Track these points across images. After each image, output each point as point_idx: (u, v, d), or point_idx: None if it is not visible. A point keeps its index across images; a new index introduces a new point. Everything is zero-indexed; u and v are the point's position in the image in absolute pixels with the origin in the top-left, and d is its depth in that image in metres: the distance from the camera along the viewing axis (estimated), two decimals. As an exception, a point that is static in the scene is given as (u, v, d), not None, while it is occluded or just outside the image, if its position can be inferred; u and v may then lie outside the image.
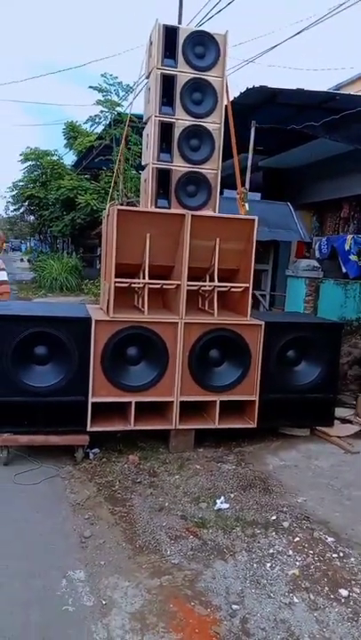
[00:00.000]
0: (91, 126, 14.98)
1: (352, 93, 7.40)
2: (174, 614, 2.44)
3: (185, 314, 4.19)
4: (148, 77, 4.32)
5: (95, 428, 4.12)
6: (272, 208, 7.52)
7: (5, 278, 5.70)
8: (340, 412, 4.95)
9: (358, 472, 3.96)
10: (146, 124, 4.33)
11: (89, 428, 4.09)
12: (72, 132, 19.99)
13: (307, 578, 2.75)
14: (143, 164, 4.37)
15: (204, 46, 4.11)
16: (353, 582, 2.74)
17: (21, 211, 23.91)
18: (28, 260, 24.88)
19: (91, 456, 4.16)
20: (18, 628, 2.31)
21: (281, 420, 4.57)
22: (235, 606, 2.52)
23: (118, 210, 3.95)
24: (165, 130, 4.09)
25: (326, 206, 11.22)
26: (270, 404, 4.43)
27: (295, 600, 2.58)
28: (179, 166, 4.15)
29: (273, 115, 7.93)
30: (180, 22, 12.88)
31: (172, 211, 4.14)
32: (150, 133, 4.15)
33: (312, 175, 10.94)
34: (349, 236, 7.06)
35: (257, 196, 11.54)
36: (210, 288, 4.34)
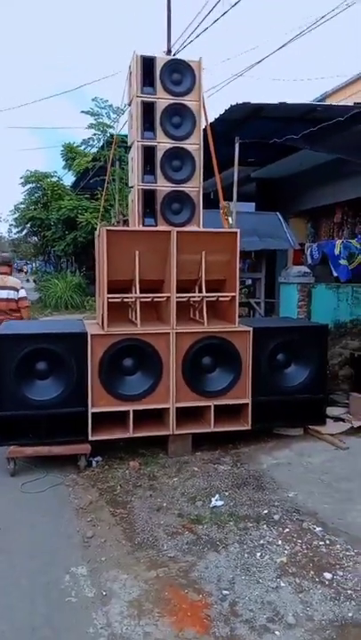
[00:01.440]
0: (85, 148, 15.40)
1: (333, 104, 7.66)
2: (169, 601, 2.64)
3: (176, 324, 4.42)
4: (129, 105, 4.61)
5: (96, 437, 4.34)
6: (262, 218, 7.77)
7: (25, 295, 6.24)
8: (332, 410, 5.15)
9: (348, 466, 4.15)
10: (130, 147, 4.61)
11: (90, 438, 4.31)
12: (70, 154, 20.45)
13: (294, 564, 2.95)
14: (130, 185, 4.64)
15: (181, 73, 4.40)
16: (337, 566, 2.93)
17: (24, 232, 24.36)
18: (34, 281, 25.32)
19: (93, 464, 4.38)
20: (25, 617, 2.53)
21: (274, 420, 4.77)
22: (225, 592, 2.71)
23: (107, 230, 4.22)
24: (148, 153, 4.37)
25: (320, 212, 11.47)
26: (263, 406, 4.63)
27: (282, 584, 2.77)
28: (163, 186, 4.42)
29: (261, 128, 8.20)
30: (169, 39, 13.34)
31: (159, 228, 4.39)
32: (135, 157, 4.43)
33: (305, 183, 11.20)
34: (339, 241, 7.28)
35: (251, 206, 11.84)
36: (199, 299, 4.58)
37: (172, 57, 4.48)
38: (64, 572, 2.90)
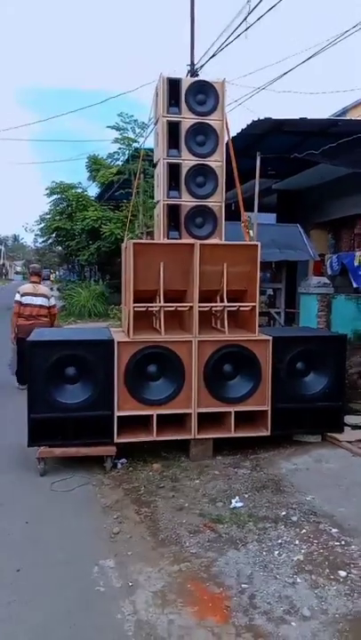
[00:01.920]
0: (110, 162, 15.77)
1: (352, 118, 7.81)
2: (191, 593, 2.82)
3: (198, 332, 4.62)
4: (156, 124, 4.85)
5: (121, 440, 4.55)
6: (282, 230, 7.94)
7: (55, 303, 6.99)
8: (351, 419, 5.26)
9: (364, 472, 4.27)
10: (156, 164, 4.85)
11: (116, 440, 4.52)
12: (94, 165, 20.92)
13: (310, 562, 3.09)
14: (155, 200, 4.87)
15: (205, 93, 4.63)
16: (352, 565, 3.06)
17: (49, 242, 24.87)
18: (58, 289, 25.84)
19: (119, 465, 4.57)
20: (60, 603, 2.73)
21: (293, 427, 4.91)
22: (244, 585, 2.87)
23: (134, 244, 4.45)
24: (173, 170, 4.60)
25: (341, 224, 11.58)
26: (282, 413, 4.78)
27: (298, 580, 2.92)
28: (186, 201, 4.64)
29: (282, 142, 8.42)
30: (192, 52, 13.68)
31: (183, 241, 4.61)
32: (160, 173, 4.66)
33: (325, 194, 11.34)
34: (358, 253, 7.41)
35: (272, 217, 12.02)
36: (220, 308, 4.77)
37: (196, 78, 4.71)
38: (93, 563, 3.09)
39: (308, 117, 7.18)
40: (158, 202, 4.72)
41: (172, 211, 4.63)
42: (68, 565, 3.08)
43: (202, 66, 14.64)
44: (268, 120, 7.25)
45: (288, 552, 3.20)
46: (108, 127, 13.75)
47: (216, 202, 4.71)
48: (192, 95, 4.59)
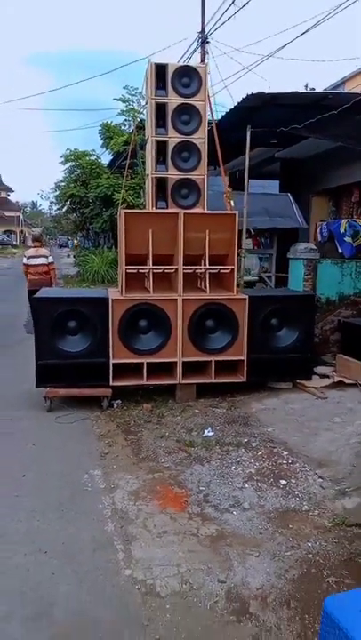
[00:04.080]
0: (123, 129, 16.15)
1: (343, 92, 8.17)
2: (159, 492, 3.57)
3: (183, 292, 5.28)
4: (146, 105, 5.40)
5: (116, 383, 5.29)
6: (273, 199, 8.44)
7: (53, 260, 9.06)
8: (322, 369, 5.93)
9: (321, 411, 4.95)
10: (147, 141, 5.42)
11: (111, 383, 5.26)
12: (107, 133, 21.26)
13: (259, 474, 3.82)
14: (145, 174, 5.46)
15: (189, 77, 5.16)
16: (292, 477, 3.78)
17: (64, 209, 25.45)
18: (74, 256, 26.51)
19: (114, 405, 5.33)
20: (55, 497, 3.51)
21: (267, 375, 5.60)
22: (202, 488, 3.62)
23: (125, 213, 5.09)
24: (160, 146, 5.18)
25: (341, 192, 11.95)
26: (257, 362, 5.46)
27: (246, 486, 3.66)
28: (173, 174, 5.23)
29: (277, 114, 8.82)
30: (203, 21, 13.92)
31: (169, 210, 5.23)
32: (149, 149, 5.25)
33: (326, 163, 11.68)
34: (344, 221, 7.89)
35: (275, 184, 12.44)
36: (203, 270, 5.41)
37: (181, 64, 5.18)
38: (84, 472, 3.87)
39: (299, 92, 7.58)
40: (148, 175, 5.32)
41: (160, 183, 5.23)
42: (63, 474, 3.86)
43: (210, 32, 14.87)
44: (260, 94, 7.67)
45: (243, 467, 3.93)
46: (115, 99, 14.13)
47: (199, 175, 5.29)
48: (177, 78, 5.12)
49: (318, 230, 8.55)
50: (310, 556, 2.86)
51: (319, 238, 8.51)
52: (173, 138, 5.19)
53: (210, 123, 5.33)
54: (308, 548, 2.94)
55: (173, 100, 5.14)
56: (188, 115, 5.20)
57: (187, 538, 3.03)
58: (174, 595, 2.56)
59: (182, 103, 5.16)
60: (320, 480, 3.71)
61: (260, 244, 8.79)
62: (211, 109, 5.29)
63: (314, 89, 18.53)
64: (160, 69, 5.09)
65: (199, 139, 5.23)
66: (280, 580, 2.66)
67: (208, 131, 5.22)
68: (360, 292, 7.75)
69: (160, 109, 5.14)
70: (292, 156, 12.25)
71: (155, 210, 5.24)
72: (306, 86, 20.02)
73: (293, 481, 3.73)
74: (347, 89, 11.03)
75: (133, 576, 2.69)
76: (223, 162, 6.51)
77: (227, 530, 3.12)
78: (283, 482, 3.71)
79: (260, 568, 2.76)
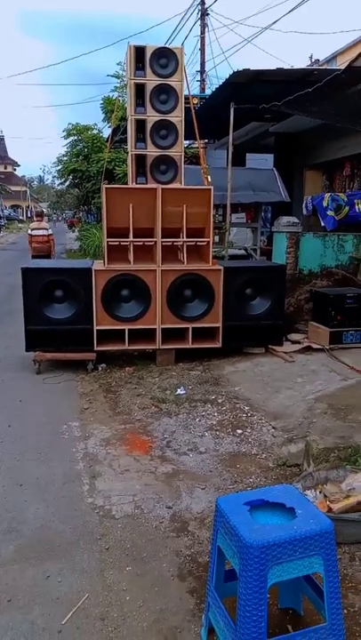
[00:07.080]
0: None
1: (329, 67, 8.33)
2: (127, 439, 4.02)
3: (162, 263, 5.65)
4: (126, 85, 5.69)
5: (100, 348, 5.72)
6: (258, 173, 8.70)
7: (51, 232, 11.51)
8: (294, 336, 6.32)
9: (286, 372, 5.36)
10: (127, 120, 5.73)
11: (95, 348, 5.69)
12: (109, 107, 21.31)
13: (220, 425, 4.26)
14: (127, 152, 5.78)
15: (166, 58, 5.43)
16: (248, 428, 4.21)
17: (67, 184, 25.62)
18: (78, 231, 26.81)
19: (99, 369, 5.77)
20: (34, 443, 3.97)
21: (241, 341, 6.00)
22: (166, 436, 4.07)
23: (106, 188, 5.44)
24: (140, 124, 5.49)
25: (334, 165, 12.13)
26: (232, 329, 5.86)
27: (206, 434, 4.10)
28: (151, 152, 5.55)
29: (266, 90, 9.01)
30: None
31: (147, 186, 5.56)
32: (129, 128, 5.56)
33: (319, 137, 11.84)
34: (327, 194, 8.16)
35: (270, 158, 12.64)
36: (181, 243, 5.77)
37: (159, 45, 5.43)
38: (63, 424, 4.33)
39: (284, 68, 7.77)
40: (128, 152, 5.64)
41: (140, 160, 5.55)
42: (44, 424, 4.32)
43: (211, 5, 14.85)
44: (247, 71, 7.87)
45: (206, 420, 4.37)
46: (109, 75, 14.25)
47: (177, 152, 5.60)
48: (155, 60, 5.40)
49: (304, 204, 8.82)
50: (250, 488, 3.30)
51: (304, 212, 8.79)
52: (152, 116, 5.49)
53: (187, 98, 5.60)
54: (250, 483, 3.38)
55: (152, 81, 5.43)
56: (165, 94, 5.48)
57: (145, 475, 3.48)
58: (127, 517, 3.01)
59: (160, 83, 5.44)
60: (273, 430, 4.14)
61: (257, 218, 9.09)
62: (188, 87, 5.56)
63: (318, 60, 18.50)
64: (139, 51, 5.37)
65: (176, 117, 5.53)
66: (219, 507, 3.11)
67: (189, 108, 5.50)
68: (342, 265, 8.09)
69: (139, 89, 5.43)
70: (285, 131, 12.39)
71: (134, 185, 5.58)
72: (311, 57, 19.94)
73: (249, 430, 4.16)
74: (338, 63, 11.14)
75: (94, 503, 3.15)
76: (218, 137, 6.73)
77: (181, 469, 3.57)
78: (239, 431, 4.14)
79: (204, 498, 3.20)
